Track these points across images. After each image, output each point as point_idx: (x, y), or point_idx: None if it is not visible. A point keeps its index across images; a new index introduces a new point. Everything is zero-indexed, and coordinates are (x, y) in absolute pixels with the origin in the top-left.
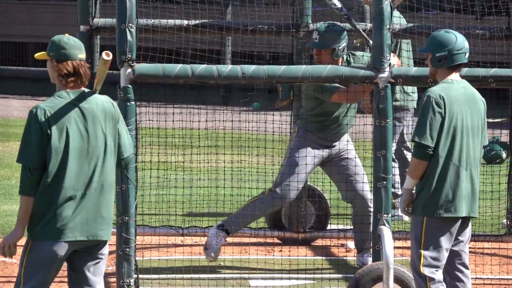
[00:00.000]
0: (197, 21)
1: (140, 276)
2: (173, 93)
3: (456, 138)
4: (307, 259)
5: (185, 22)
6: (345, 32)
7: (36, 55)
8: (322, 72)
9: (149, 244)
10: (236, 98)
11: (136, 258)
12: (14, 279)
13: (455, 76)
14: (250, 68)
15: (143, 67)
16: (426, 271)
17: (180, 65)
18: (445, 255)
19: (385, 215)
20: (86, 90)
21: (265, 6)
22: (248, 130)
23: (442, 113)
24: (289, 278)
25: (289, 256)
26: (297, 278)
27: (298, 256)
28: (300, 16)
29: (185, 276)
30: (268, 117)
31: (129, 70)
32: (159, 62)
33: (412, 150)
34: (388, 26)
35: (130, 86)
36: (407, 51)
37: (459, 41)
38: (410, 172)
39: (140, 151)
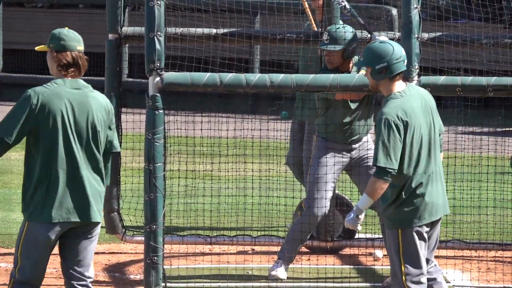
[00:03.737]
0: (225, 30)
1: (168, 284)
2: (201, 102)
3: (420, 152)
4: (335, 268)
5: (214, 30)
6: (356, 33)
7: (37, 47)
8: (350, 81)
9: (177, 253)
10: (264, 106)
11: (164, 266)
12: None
13: (400, 86)
14: (279, 77)
15: (171, 75)
16: (411, 285)
17: (208, 74)
18: (424, 262)
19: None
20: (82, 81)
21: (294, 15)
22: (276, 138)
23: (402, 134)
24: (317, 287)
25: (317, 265)
26: (325, 287)
27: (326, 265)
28: (328, 25)
29: (213, 284)
30: None
31: (158, 78)
32: (187, 70)
33: (374, 172)
34: (416, 35)
35: (158, 94)
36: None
37: (396, 50)
38: (370, 192)
39: (168, 160)
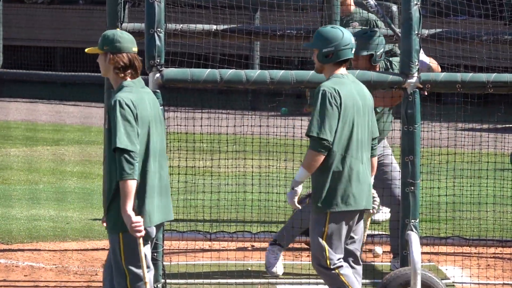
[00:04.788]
0: (225, 26)
1: (168, 281)
2: (201, 98)
3: (352, 133)
4: None
5: (214, 27)
6: (383, 38)
7: (87, 49)
8: None
9: (177, 249)
10: (264, 103)
11: (164, 263)
12: (42, 284)
13: (343, 71)
14: (279, 73)
15: (171, 71)
16: (332, 263)
17: (208, 70)
18: (343, 248)
19: (412, 221)
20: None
21: (294, 11)
22: (276, 135)
23: (338, 108)
24: (317, 284)
25: None
26: (325, 284)
27: None
28: (328, 21)
29: (213, 281)
30: (296, 122)
31: (158, 74)
32: (187, 67)
33: (309, 144)
34: (416, 32)
35: (158, 90)
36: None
37: (345, 36)
38: (306, 165)
39: (168, 156)
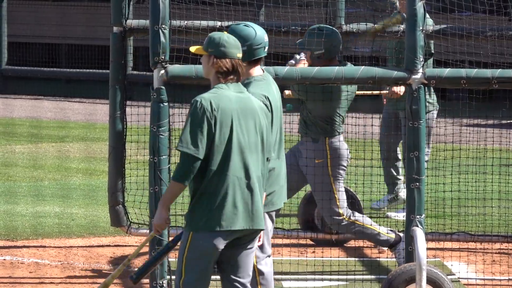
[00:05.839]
0: (230, 23)
1: (173, 277)
2: None
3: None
4: (339, 260)
5: (218, 23)
6: (331, 38)
7: (192, 48)
8: (355, 74)
9: None
10: None
11: (169, 259)
12: (47, 280)
13: (258, 70)
14: (284, 70)
15: (176, 68)
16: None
17: None
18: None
19: (418, 216)
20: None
21: (298, 7)
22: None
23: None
24: (322, 280)
25: (322, 257)
26: (330, 280)
27: (331, 257)
28: (333, 18)
29: (218, 277)
30: None
31: (162, 71)
32: (192, 63)
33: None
34: (421, 28)
35: (163, 87)
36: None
37: (258, 35)
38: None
39: (173, 153)
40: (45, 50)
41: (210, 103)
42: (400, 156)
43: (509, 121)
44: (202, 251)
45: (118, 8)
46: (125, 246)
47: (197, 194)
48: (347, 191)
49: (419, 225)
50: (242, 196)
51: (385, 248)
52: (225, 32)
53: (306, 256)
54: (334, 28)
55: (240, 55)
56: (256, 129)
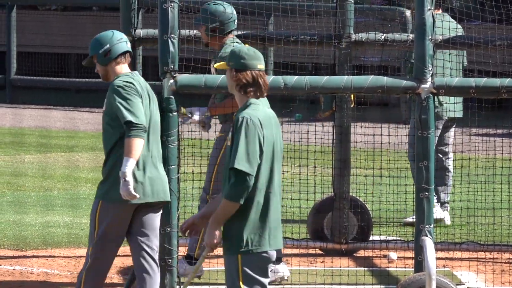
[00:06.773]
0: (239, 32)
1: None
2: None
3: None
4: (349, 270)
5: None
6: (217, 14)
7: (216, 65)
8: (364, 83)
9: None
10: (278, 108)
11: (179, 269)
12: None
13: (126, 69)
14: (293, 79)
15: (185, 78)
16: None
17: (222, 76)
18: None
19: (427, 226)
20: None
21: (307, 16)
22: (290, 141)
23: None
24: None
25: (332, 267)
26: None
27: (340, 267)
28: (342, 27)
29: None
30: (310, 128)
31: (171, 81)
32: (201, 73)
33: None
34: (430, 37)
35: (172, 97)
36: (457, 62)
37: (228, 11)
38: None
39: (182, 162)
40: (54, 59)
41: (259, 120)
42: (446, 164)
43: None
44: None
45: (127, 17)
46: None
47: (245, 213)
48: (356, 200)
49: (429, 235)
50: (276, 208)
51: (395, 258)
52: (247, 45)
53: (316, 266)
54: (228, 4)
55: (261, 66)
56: (280, 144)
